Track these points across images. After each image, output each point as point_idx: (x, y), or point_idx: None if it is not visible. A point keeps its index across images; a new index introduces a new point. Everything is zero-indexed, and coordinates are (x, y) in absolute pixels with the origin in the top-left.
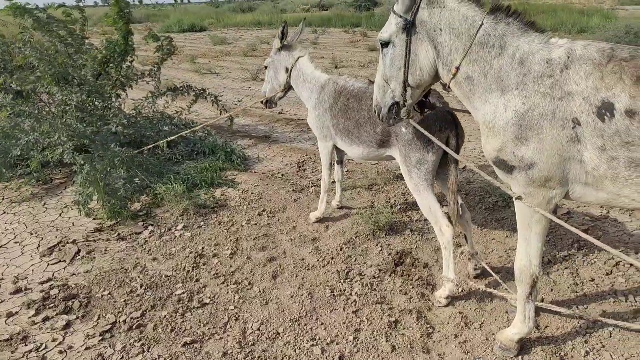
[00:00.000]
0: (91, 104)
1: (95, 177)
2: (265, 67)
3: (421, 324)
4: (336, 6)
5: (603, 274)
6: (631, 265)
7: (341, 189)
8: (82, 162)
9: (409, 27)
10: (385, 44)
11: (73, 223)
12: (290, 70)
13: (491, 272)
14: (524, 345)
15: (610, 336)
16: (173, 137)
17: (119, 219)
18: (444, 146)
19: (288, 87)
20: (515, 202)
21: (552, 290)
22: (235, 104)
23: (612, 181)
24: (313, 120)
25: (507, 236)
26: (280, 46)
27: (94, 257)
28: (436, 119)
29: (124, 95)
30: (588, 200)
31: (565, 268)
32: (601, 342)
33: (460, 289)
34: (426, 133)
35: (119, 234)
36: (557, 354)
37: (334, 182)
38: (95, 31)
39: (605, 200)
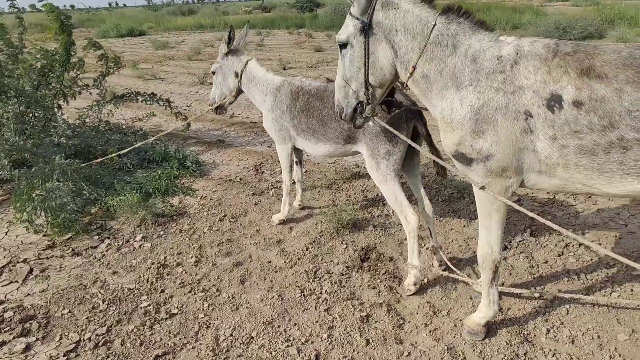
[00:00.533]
0: (31, 115)
1: (29, 192)
2: (213, 73)
3: (392, 316)
4: (279, 7)
5: (555, 256)
6: (581, 244)
7: (302, 189)
8: (18, 177)
9: (366, 29)
10: (343, 46)
11: (22, 241)
12: (241, 74)
13: (453, 268)
14: (490, 328)
15: (568, 313)
16: (134, 147)
17: (71, 234)
18: (410, 141)
19: (238, 92)
20: (476, 193)
21: (510, 274)
22: (185, 109)
23: (564, 168)
24: (270, 124)
25: (464, 226)
26: (228, 51)
27: (49, 276)
28: (402, 111)
29: (65, 105)
30: (542, 187)
31: (521, 252)
32: (560, 320)
33: (425, 279)
34: (391, 129)
35: (73, 250)
36: (520, 334)
37: (294, 183)
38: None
39: (558, 186)
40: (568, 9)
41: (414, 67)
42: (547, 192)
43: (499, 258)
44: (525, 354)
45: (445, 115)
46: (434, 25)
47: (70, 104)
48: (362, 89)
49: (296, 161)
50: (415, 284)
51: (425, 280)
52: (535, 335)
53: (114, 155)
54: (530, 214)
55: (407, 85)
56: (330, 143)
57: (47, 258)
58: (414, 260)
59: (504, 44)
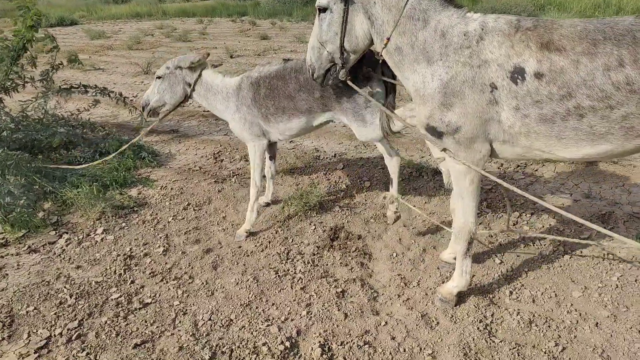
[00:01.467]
0: None
1: None
2: (158, 77)
3: (366, 290)
4: None
5: (511, 225)
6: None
7: (273, 185)
8: None
9: None
10: (322, 10)
11: None
12: (194, 85)
13: (412, 207)
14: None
15: (527, 276)
16: (129, 144)
17: (26, 231)
18: (377, 103)
19: (179, 103)
20: (450, 167)
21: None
22: (132, 100)
23: (526, 136)
24: (239, 124)
25: (425, 202)
26: (187, 67)
27: (7, 274)
28: (368, 61)
29: (9, 98)
30: (506, 156)
31: (480, 223)
32: (520, 282)
33: (394, 253)
34: (361, 91)
35: (29, 247)
36: (486, 297)
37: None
38: None
39: (520, 154)
40: None
41: (388, 39)
42: (507, 161)
43: (474, 229)
44: (492, 315)
45: (417, 88)
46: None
47: (13, 97)
48: (338, 53)
49: (269, 156)
50: (396, 212)
51: (394, 254)
52: (499, 298)
53: (114, 155)
54: (506, 185)
55: (381, 55)
56: (304, 115)
57: (2, 257)
58: (394, 192)
59: (470, 20)
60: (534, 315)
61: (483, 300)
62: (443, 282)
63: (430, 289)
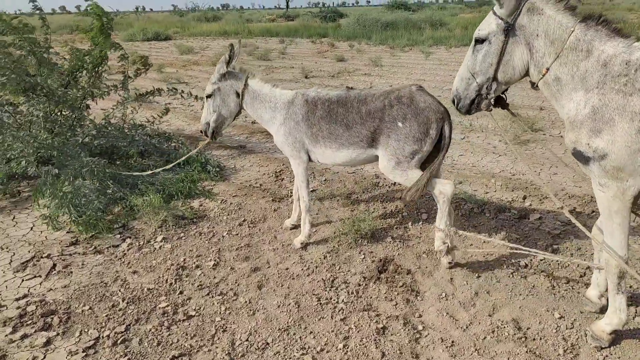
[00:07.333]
0: (60, 114)
1: (60, 187)
2: (208, 97)
3: (408, 330)
4: (302, 17)
5: (577, 277)
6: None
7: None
8: (45, 174)
9: (509, 30)
10: (480, 41)
11: (46, 237)
12: (242, 93)
13: (467, 233)
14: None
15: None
16: (171, 165)
17: (95, 232)
18: None
19: (235, 116)
20: (597, 195)
21: (530, 293)
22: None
23: None
24: (283, 137)
25: (484, 242)
26: (226, 71)
27: (71, 272)
28: (434, 112)
29: (95, 104)
30: None
31: (542, 271)
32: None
33: (444, 294)
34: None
35: (95, 248)
36: None
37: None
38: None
39: None
40: None
41: (547, 70)
42: (573, 210)
43: (624, 264)
44: None
45: (570, 115)
46: (572, 31)
47: (97, 104)
48: (487, 83)
49: None
50: (444, 243)
51: (444, 294)
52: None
53: (165, 168)
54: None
55: (537, 86)
56: (354, 147)
57: (70, 255)
58: (441, 224)
59: (636, 50)
60: None
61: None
62: (494, 332)
63: (478, 336)
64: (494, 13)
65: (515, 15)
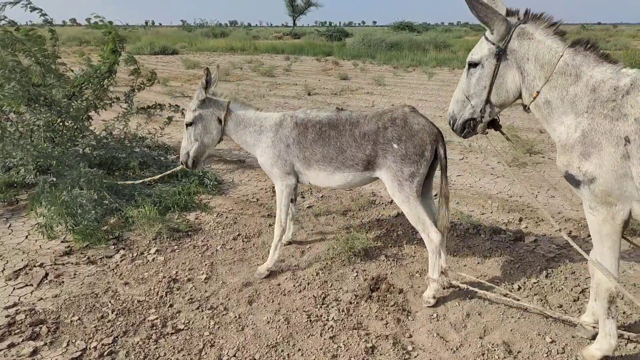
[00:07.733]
0: (61, 124)
1: (57, 196)
2: (188, 125)
3: (398, 350)
4: (308, 35)
5: (570, 301)
6: None
7: (293, 226)
8: (43, 181)
9: (500, 54)
10: (473, 65)
11: (40, 246)
12: (224, 119)
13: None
14: None
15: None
16: (169, 172)
17: (90, 242)
18: None
19: (216, 144)
20: (588, 219)
21: (522, 316)
22: None
23: None
24: (270, 160)
25: (478, 263)
26: (205, 97)
27: (63, 282)
28: (427, 133)
29: (97, 115)
30: None
31: (535, 294)
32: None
33: (435, 313)
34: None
35: (89, 258)
36: None
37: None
38: (64, 50)
39: None
40: None
41: (538, 93)
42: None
43: (613, 287)
44: None
45: (561, 138)
46: (561, 55)
47: (100, 115)
48: (481, 106)
49: (291, 199)
50: (434, 297)
51: (435, 314)
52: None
53: (153, 179)
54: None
55: (528, 109)
56: (349, 171)
57: (63, 264)
58: (435, 274)
59: (623, 76)
60: None
61: None
62: (484, 354)
63: (467, 358)
64: (486, 38)
65: (507, 40)
